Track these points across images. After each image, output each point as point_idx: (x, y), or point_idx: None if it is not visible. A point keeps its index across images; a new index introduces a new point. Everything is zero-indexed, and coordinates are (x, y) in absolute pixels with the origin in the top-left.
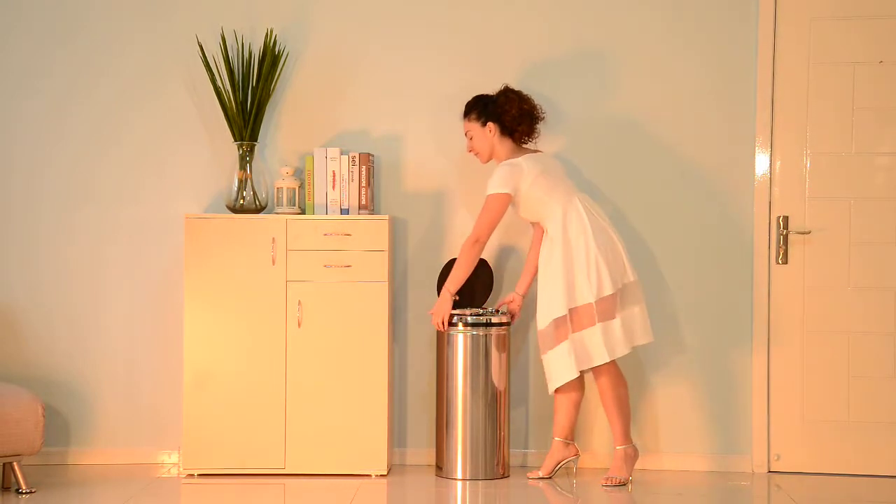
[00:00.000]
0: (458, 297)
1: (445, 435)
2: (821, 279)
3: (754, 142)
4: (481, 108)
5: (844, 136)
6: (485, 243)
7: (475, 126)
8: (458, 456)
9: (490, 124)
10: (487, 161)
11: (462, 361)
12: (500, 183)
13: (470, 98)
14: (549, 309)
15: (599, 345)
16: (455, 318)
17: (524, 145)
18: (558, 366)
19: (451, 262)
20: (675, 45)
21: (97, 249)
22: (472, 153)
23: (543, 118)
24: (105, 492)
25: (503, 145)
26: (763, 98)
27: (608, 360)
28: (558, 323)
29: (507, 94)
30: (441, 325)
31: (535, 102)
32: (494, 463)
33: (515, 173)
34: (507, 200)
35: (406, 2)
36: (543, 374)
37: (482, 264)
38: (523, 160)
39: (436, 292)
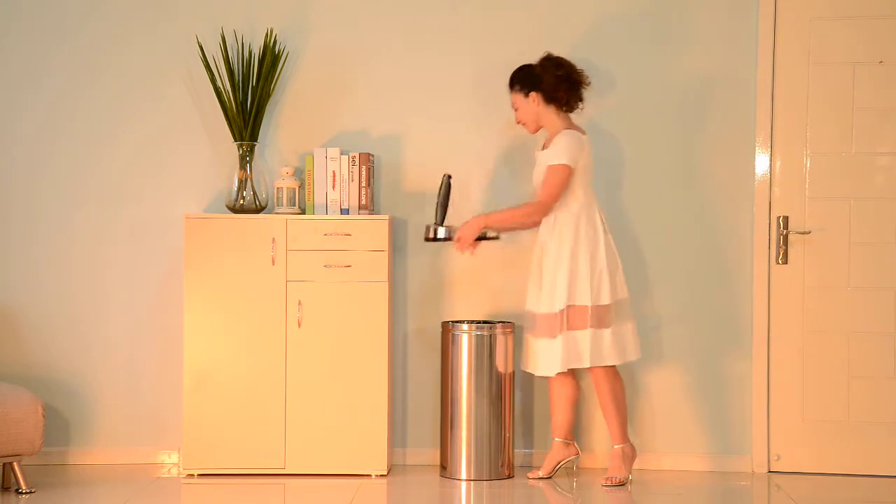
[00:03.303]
0: (493, 237)
1: (450, 435)
2: (821, 279)
3: (754, 142)
4: (523, 79)
5: (844, 136)
6: (546, 214)
7: (519, 97)
8: (462, 456)
9: (533, 94)
10: (536, 131)
11: (467, 361)
12: (565, 154)
13: (463, 92)
14: (556, 296)
15: (587, 350)
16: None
17: (571, 115)
18: (548, 357)
19: (449, 178)
20: (675, 44)
21: (97, 249)
22: (520, 124)
23: (587, 83)
24: (105, 492)
25: (549, 113)
26: (763, 98)
27: (596, 365)
28: (560, 314)
29: (544, 62)
30: (464, 247)
31: (576, 67)
32: (499, 464)
33: (578, 146)
34: (570, 173)
35: (406, 2)
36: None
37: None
38: (585, 137)
39: (442, 288)
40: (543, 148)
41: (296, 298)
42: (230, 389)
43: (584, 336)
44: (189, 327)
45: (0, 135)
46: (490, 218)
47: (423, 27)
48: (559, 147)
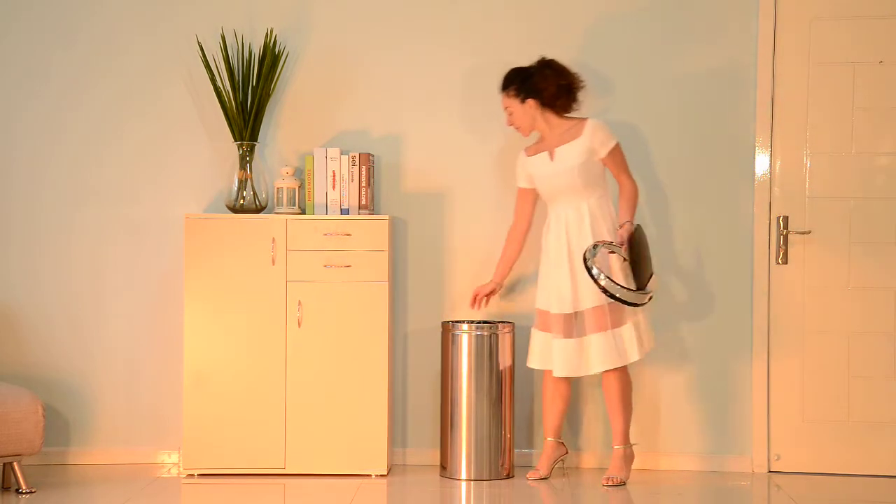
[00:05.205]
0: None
1: (450, 435)
2: (821, 279)
3: (754, 142)
4: (519, 84)
5: (844, 136)
6: None
7: (514, 102)
8: (462, 456)
9: (529, 100)
10: (529, 133)
11: (467, 361)
12: (612, 134)
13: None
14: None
15: (633, 344)
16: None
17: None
18: (607, 351)
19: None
20: (675, 44)
21: (97, 249)
22: (512, 127)
23: (583, 87)
24: (105, 492)
25: (546, 115)
26: (763, 98)
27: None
28: (605, 308)
29: (544, 70)
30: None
31: (573, 73)
32: (499, 464)
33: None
34: None
35: (406, 2)
36: (546, 373)
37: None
38: None
39: (442, 288)
40: (559, 144)
41: (296, 298)
42: (230, 389)
43: (630, 330)
44: (189, 327)
45: (0, 135)
46: (631, 216)
47: (424, 27)
48: (604, 131)
